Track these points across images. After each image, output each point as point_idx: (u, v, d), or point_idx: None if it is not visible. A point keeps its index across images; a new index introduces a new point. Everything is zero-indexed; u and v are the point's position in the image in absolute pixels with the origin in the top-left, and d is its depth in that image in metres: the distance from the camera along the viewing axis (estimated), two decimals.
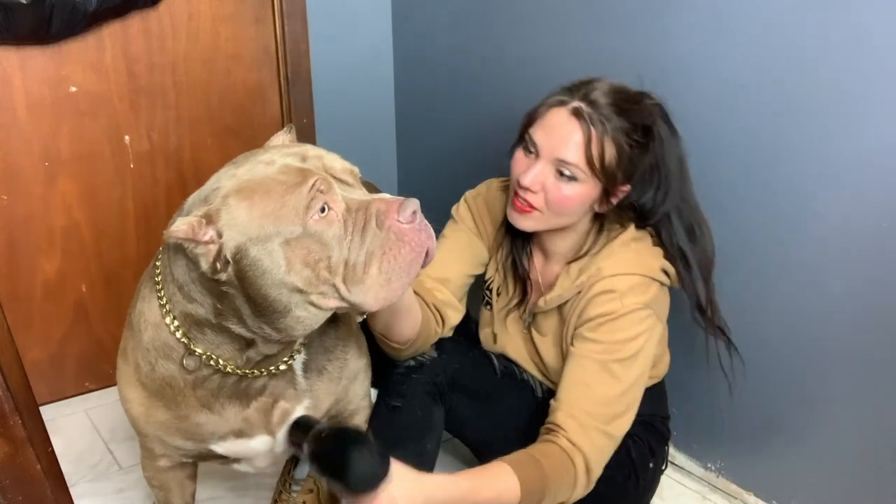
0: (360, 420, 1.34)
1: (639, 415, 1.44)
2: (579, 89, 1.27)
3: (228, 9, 1.96)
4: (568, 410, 1.25)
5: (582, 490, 1.24)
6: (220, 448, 1.19)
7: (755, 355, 1.55)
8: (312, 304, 0.97)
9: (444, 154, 2.23)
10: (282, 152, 0.99)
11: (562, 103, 1.26)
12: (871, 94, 1.26)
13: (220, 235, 0.93)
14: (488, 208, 1.49)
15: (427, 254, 0.99)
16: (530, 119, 1.31)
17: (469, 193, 1.53)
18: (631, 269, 1.29)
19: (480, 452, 1.53)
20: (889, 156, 1.26)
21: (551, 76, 1.79)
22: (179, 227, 0.91)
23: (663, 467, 1.54)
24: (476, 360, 1.47)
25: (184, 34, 1.92)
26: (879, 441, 1.40)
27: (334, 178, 0.99)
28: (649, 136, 1.28)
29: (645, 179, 1.32)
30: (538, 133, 1.27)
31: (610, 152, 1.24)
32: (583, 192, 1.27)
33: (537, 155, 1.28)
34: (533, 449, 1.22)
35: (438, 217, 1.56)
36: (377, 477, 1.02)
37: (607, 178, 1.25)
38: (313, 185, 0.93)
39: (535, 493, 1.17)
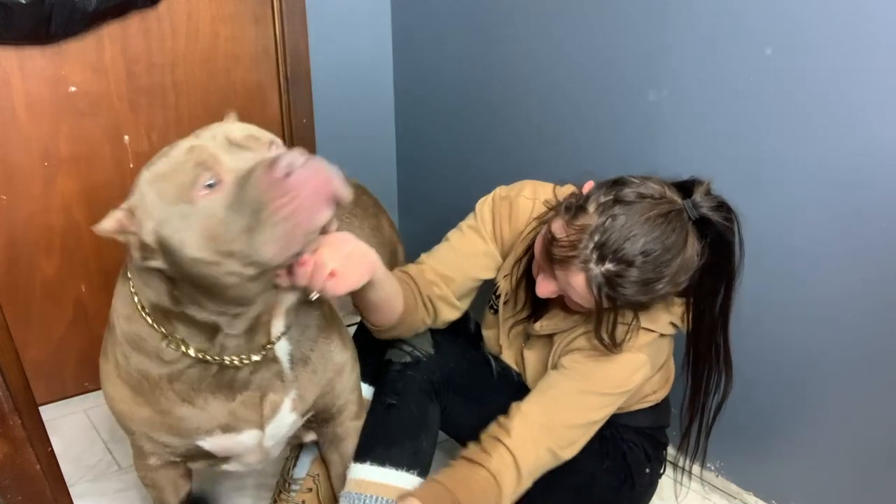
0: (348, 415, 1.34)
1: (639, 426, 1.45)
2: (612, 252, 1.13)
3: (228, 9, 1.96)
4: (525, 419, 1.24)
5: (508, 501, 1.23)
6: (207, 444, 1.19)
7: (755, 355, 1.55)
8: (233, 273, 0.95)
9: (444, 154, 2.23)
10: (197, 133, 1.01)
11: (584, 267, 1.15)
12: (871, 93, 1.26)
13: (141, 225, 0.97)
14: (511, 216, 1.43)
15: (334, 195, 0.92)
16: (558, 260, 1.17)
17: (498, 193, 1.45)
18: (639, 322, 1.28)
19: None
20: (889, 155, 1.26)
21: (551, 76, 1.80)
22: (103, 223, 0.96)
23: (661, 471, 1.54)
24: (473, 360, 1.47)
25: (183, 34, 1.92)
26: (879, 441, 1.40)
27: (236, 145, 0.98)
28: (679, 287, 1.21)
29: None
30: (559, 274, 1.20)
31: (622, 306, 1.20)
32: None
33: (554, 279, 1.22)
34: (455, 471, 1.22)
35: (439, 218, 1.56)
36: None
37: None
38: (196, 160, 0.94)
39: None
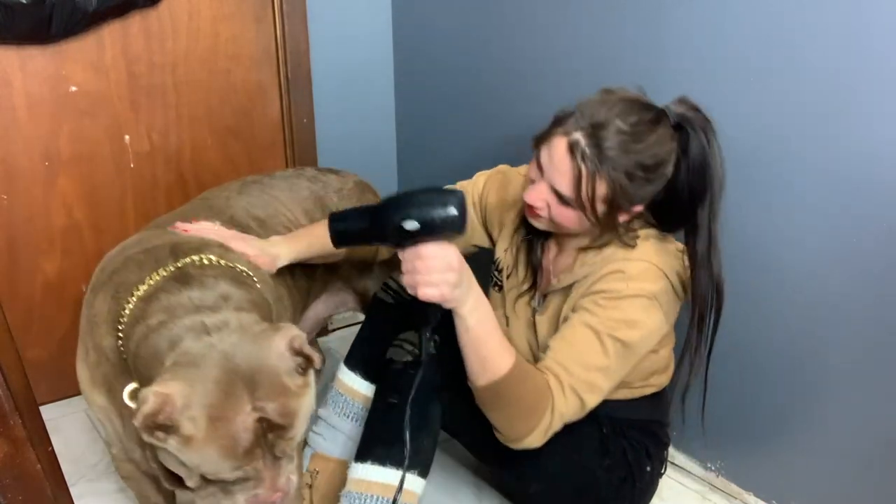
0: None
1: (637, 420, 1.44)
2: (591, 117, 1.19)
3: (228, 8, 1.96)
4: (550, 364, 1.25)
5: (540, 436, 1.23)
6: None
7: (755, 355, 1.55)
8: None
9: (445, 154, 2.24)
10: (239, 398, 0.99)
11: (566, 133, 1.20)
12: (871, 92, 1.26)
13: (167, 430, 0.96)
14: (500, 186, 1.53)
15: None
16: (543, 136, 1.26)
17: (499, 167, 1.58)
18: (646, 257, 1.27)
19: (477, 453, 1.53)
20: (889, 154, 1.26)
21: (551, 75, 1.80)
22: (150, 407, 0.94)
23: (662, 471, 1.53)
24: None
25: (184, 34, 1.92)
26: (879, 441, 1.40)
27: (272, 448, 1.02)
28: (657, 170, 1.22)
29: (669, 195, 1.28)
30: (543, 155, 1.25)
31: (602, 190, 1.20)
32: (582, 216, 1.25)
33: (541, 174, 1.26)
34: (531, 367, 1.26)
35: None
36: (454, 221, 1.09)
37: (603, 210, 1.23)
38: (244, 468, 0.99)
39: (515, 385, 1.21)
